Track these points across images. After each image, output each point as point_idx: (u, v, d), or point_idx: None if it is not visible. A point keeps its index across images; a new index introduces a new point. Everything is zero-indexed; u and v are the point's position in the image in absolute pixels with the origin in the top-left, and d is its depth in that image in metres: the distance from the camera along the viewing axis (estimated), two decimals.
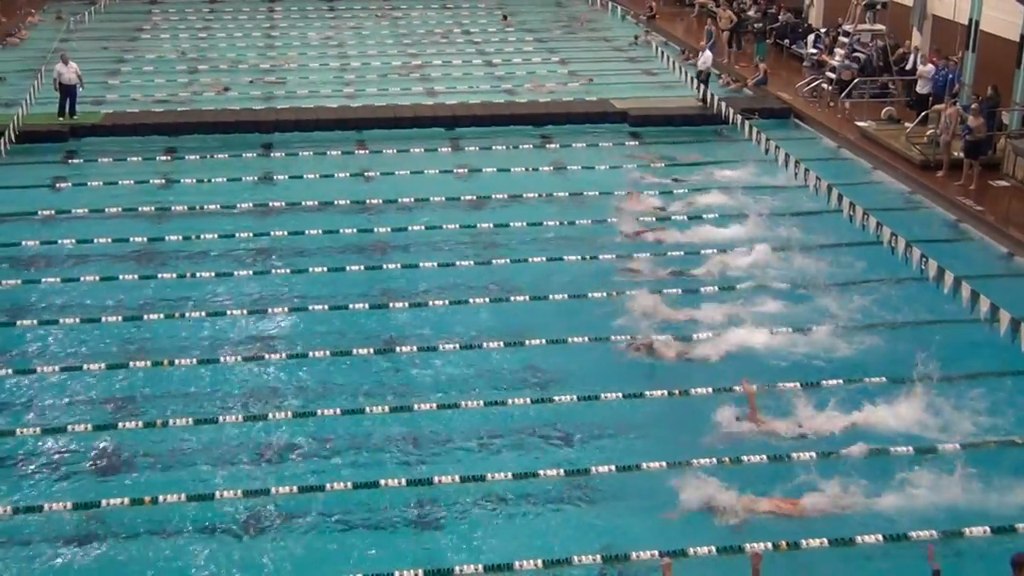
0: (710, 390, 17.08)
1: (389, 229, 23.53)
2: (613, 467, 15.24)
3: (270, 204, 24.98)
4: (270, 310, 19.90)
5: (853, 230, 23.38)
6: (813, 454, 15.46)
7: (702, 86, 31.98)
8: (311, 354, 18.32)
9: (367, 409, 16.75)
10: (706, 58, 32.19)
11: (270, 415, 16.59)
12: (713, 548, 13.54)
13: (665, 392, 17.15)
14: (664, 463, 15.22)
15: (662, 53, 38.24)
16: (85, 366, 17.93)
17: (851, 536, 13.81)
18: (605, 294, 20.35)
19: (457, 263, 21.85)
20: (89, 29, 42.94)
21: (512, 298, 20.26)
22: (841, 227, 23.63)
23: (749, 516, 14.25)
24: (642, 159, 28.28)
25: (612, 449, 15.86)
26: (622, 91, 33.72)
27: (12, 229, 23.60)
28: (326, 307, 19.96)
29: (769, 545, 13.45)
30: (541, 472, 15.18)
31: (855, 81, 30.74)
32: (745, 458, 15.42)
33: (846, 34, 32.48)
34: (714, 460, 15.31)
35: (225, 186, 26.22)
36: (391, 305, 20.11)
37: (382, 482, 14.95)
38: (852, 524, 14.09)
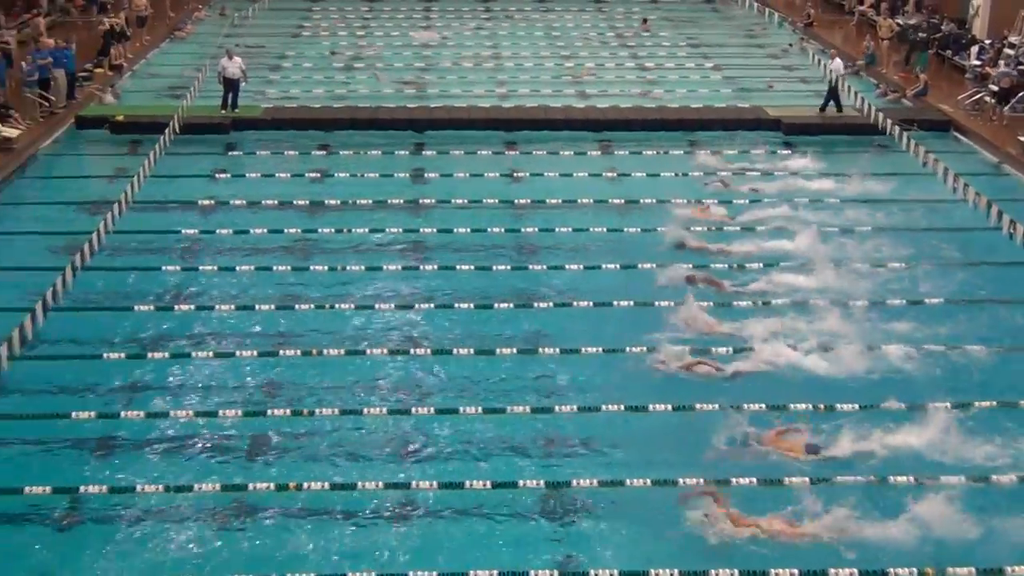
0: None
1: (536, 229, 23.63)
2: None
3: (420, 201, 25.33)
4: (417, 305, 20.18)
5: (1013, 248, 22.70)
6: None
7: (833, 95, 31.31)
8: (455, 351, 18.52)
9: (508, 409, 16.87)
10: (835, 66, 31.56)
11: (413, 410, 16.84)
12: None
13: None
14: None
15: (818, 61, 37.64)
16: (238, 353, 18.45)
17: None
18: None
19: (603, 266, 21.84)
20: (252, 25, 44.10)
21: (656, 303, 20.17)
22: (1000, 245, 22.96)
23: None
24: (793, 168, 27.84)
25: None
26: (775, 98, 33.31)
27: (173, 217, 24.41)
28: (472, 305, 20.16)
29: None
30: (680, 479, 15.10)
31: (1020, 95, 29.78)
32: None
33: (1011, 46, 31.52)
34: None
35: (377, 182, 26.67)
36: (536, 305, 20.21)
37: (520, 483, 15.05)
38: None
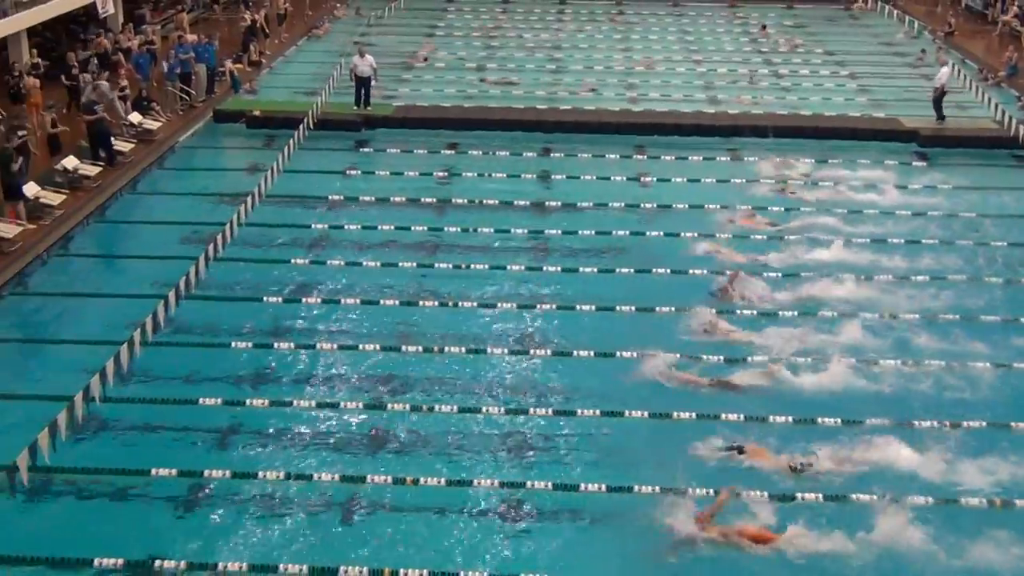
0: None
1: (661, 234, 23.53)
2: None
3: (546, 203, 25.41)
4: (539, 306, 20.25)
5: None
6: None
7: (938, 104, 30.54)
8: (575, 353, 18.54)
9: (626, 412, 16.83)
10: (942, 74, 30.74)
11: (531, 410, 16.90)
12: None
13: None
14: None
15: (958, 72, 36.73)
16: (361, 346, 18.73)
17: None
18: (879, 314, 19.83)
19: (727, 273, 21.65)
20: (387, 24, 44.71)
21: (781, 313, 19.92)
22: None
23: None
24: (928, 182, 27.23)
25: None
26: (911, 109, 32.60)
27: (304, 211, 24.89)
28: (593, 307, 20.16)
29: None
30: (800, 496, 14.92)
31: None
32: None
33: None
34: None
35: (504, 182, 26.83)
36: (657, 310, 20.13)
37: (636, 488, 15.01)
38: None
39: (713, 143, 29.90)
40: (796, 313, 19.97)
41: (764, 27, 44.31)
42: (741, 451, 15.63)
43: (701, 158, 28.66)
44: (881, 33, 44.47)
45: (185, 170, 28.15)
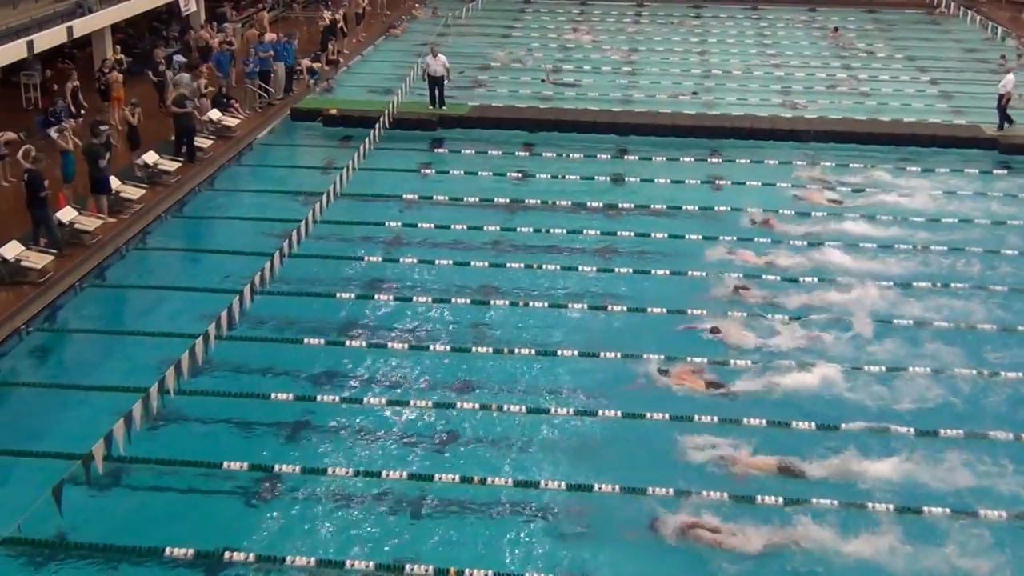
0: None
1: (735, 238, 23.40)
2: None
3: (619, 205, 25.36)
4: (609, 307, 20.22)
5: None
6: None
7: (1004, 111, 29.98)
8: (645, 356, 18.49)
9: (696, 418, 16.74)
10: (1006, 81, 30.15)
11: (599, 412, 16.88)
12: None
13: None
14: None
15: None
16: (431, 346, 18.82)
17: None
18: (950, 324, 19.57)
19: (802, 280, 21.44)
20: (464, 25, 44.89)
21: (853, 325, 19.66)
22: None
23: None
24: (1008, 190, 26.81)
25: None
26: (994, 116, 32.03)
27: (379, 209, 25.09)
28: (664, 310, 20.09)
29: None
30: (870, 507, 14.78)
31: None
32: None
33: None
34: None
35: (577, 184, 26.82)
36: (729, 314, 19.99)
37: (704, 493, 14.93)
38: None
39: (789, 148, 29.60)
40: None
41: (835, 30, 43.82)
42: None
43: (776, 162, 28.42)
44: (964, 39, 43.77)
45: (262, 167, 28.49)
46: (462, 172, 27.74)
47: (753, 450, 15.82)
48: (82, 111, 27.61)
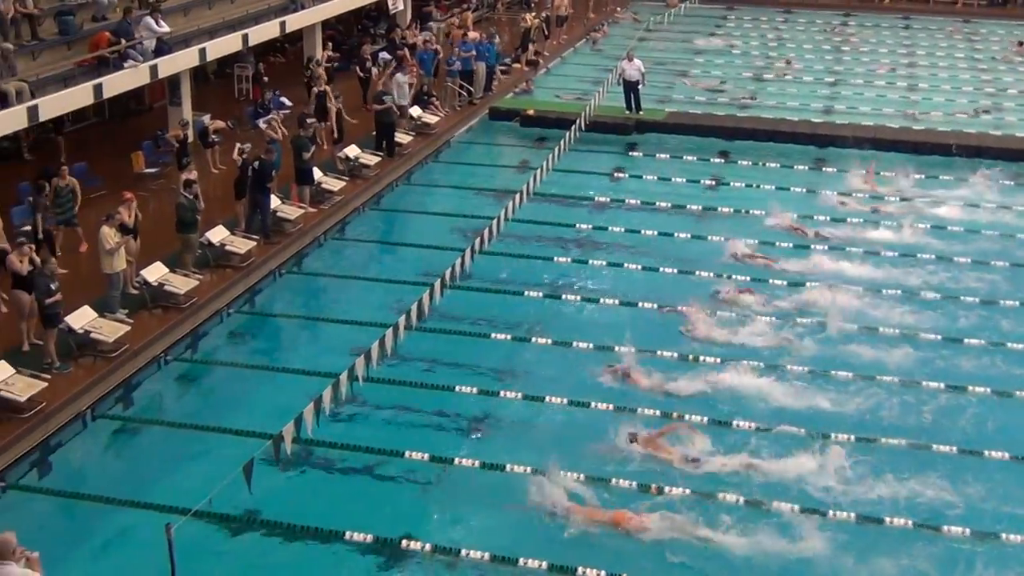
0: None
1: (933, 256, 22.71)
2: None
3: (814, 216, 24.87)
4: (799, 320, 19.86)
5: None
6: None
7: None
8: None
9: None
10: None
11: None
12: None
13: None
14: None
15: None
16: (616, 348, 18.79)
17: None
18: None
19: (1002, 302, 20.69)
20: (665, 30, 44.62)
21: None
22: None
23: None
24: None
25: None
26: None
27: (571, 211, 25.24)
28: (856, 327, 19.65)
29: None
30: None
31: None
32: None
33: None
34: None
35: (772, 194, 26.40)
36: (919, 336, 19.44)
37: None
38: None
39: (995, 166, 28.31)
40: None
41: (1021, 44, 41.92)
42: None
43: (982, 180, 27.27)
44: None
45: (458, 164, 28.95)
46: (655, 178, 27.62)
47: None
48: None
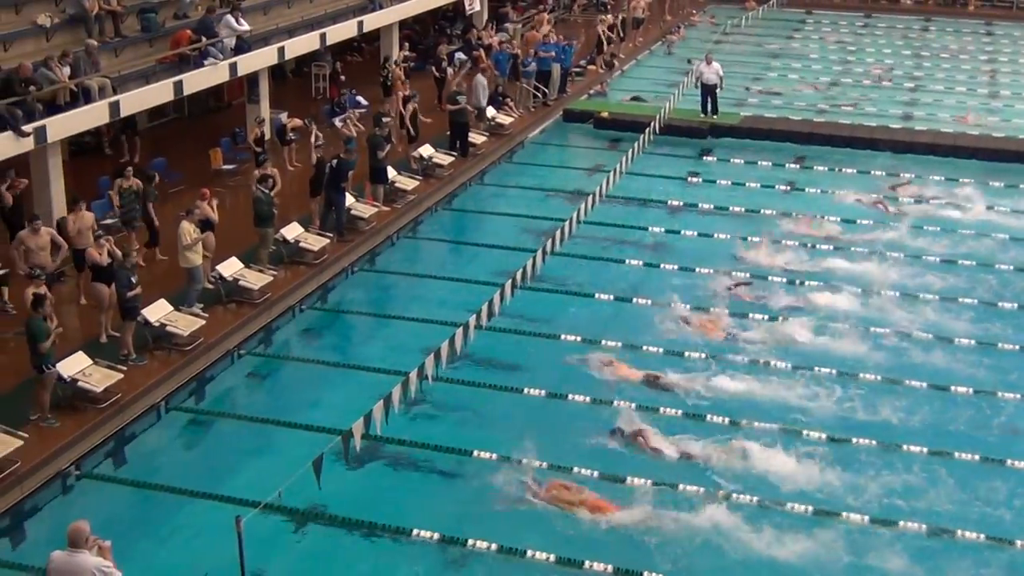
0: None
1: (1011, 268, 22.34)
2: None
3: (889, 224, 24.58)
4: (872, 328, 19.63)
5: None
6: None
7: None
8: (955, 388, 17.81)
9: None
10: None
11: (854, 440, 16.35)
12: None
13: None
14: None
15: None
16: (686, 353, 18.71)
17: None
18: None
19: None
20: (742, 33, 44.33)
21: None
22: None
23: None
24: None
25: None
26: None
27: (644, 213, 25.19)
28: (931, 336, 19.44)
29: None
30: None
31: None
32: None
33: None
34: None
35: (848, 200, 26.14)
36: (999, 345, 19.14)
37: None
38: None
39: None
40: None
41: None
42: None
43: None
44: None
45: (531, 165, 28.97)
46: (729, 182, 27.44)
47: None
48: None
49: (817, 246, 23.27)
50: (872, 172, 28.09)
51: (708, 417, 16.80)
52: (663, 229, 24.18)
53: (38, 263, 17.75)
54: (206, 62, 24.34)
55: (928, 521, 14.46)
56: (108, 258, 17.63)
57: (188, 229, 18.59)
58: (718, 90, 31.22)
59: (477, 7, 37.27)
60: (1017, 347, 19.15)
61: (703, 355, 18.62)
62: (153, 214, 20.84)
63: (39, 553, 11.91)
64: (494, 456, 15.74)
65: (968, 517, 14.63)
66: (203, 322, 18.33)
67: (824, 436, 16.32)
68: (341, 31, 29.85)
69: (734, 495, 14.86)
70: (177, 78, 23.55)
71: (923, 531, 14.30)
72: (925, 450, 16.05)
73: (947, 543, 14.15)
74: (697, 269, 22.07)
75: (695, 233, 23.90)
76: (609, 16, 39.07)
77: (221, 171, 25.55)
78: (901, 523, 14.42)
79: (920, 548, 14.00)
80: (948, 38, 44.57)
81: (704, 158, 29.57)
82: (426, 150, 26.60)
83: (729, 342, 19.25)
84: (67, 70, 21.16)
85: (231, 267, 19.84)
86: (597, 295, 20.87)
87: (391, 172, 24.61)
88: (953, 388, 17.76)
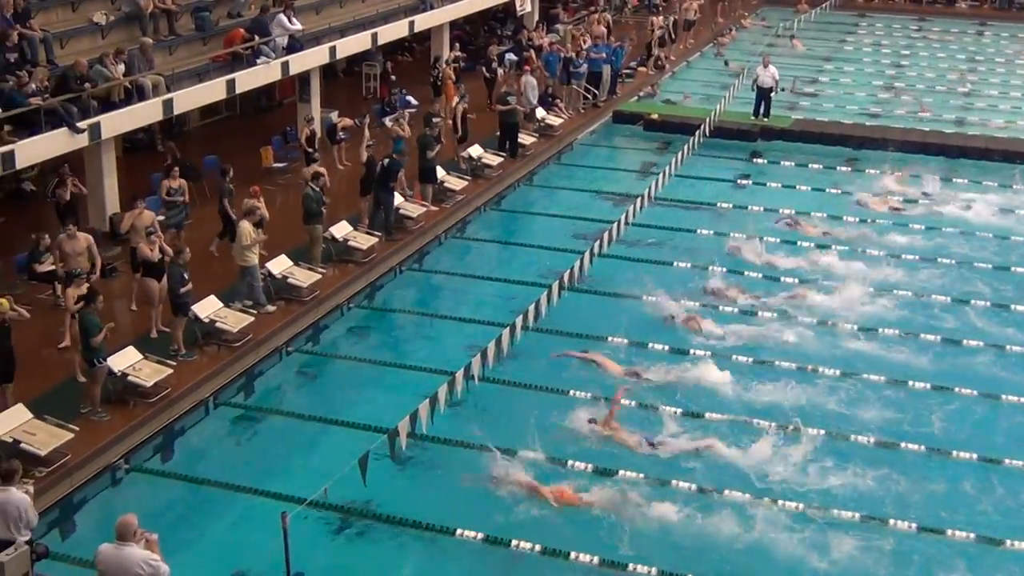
0: None
1: None
2: None
3: (942, 228, 24.34)
4: (921, 336, 19.50)
5: None
6: None
7: None
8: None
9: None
10: None
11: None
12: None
13: None
14: None
15: None
16: (733, 356, 18.61)
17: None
18: None
19: None
20: (793, 36, 44.02)
21: None
22: None
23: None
24: None
25: None
26: None
27: (692, 215, 25.08)
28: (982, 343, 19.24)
29: None
30: None
31: None
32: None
33: None
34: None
35: (897, 203, 25.93)
36: None
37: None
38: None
39: None
40: None
41: None
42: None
43: None
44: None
45: (580, 167, 28.93)
46: (779, 185, 27.29)
47: None
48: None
49: (867, 251, 23.06)
50: (922, 176, 27.77)
51: (754, 422, 16.71)
52: (712, 232, 23.99)
53: (74, 267, 17.90)
54: (259, 61, 24.53)
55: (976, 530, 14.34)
56: (159, 254, 17.82)
57: (248, 230, 18.72)
58: (773, 93, 31.05)
59: (528, 8, 37.30)
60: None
61: (748, 359, 18.52)
62: (229, 208, 20.88)
63: (88, 546, 12.04)
64: (542, 456, 15.67)
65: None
66: (252, 319, 18.47)
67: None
68: (392, 31, 29.98)
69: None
70: (230, 76, 23.74)
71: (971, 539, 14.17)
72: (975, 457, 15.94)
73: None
74: (745, 273, 21.92)
75: (743, 237, 23.62)
76: (661, 18, 38.95)
77: (272, 169, 25.73)
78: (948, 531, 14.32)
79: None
80: (1003, 42, 44.06)
81: (754, 161, 29.41)
82: (475, 150, 26.66)
83: (777, 346, 19.15)
84: (122, 68, 21.38)
85: (280, 265, 19.97)
86: (644, 297, 20.68)
87: (440, 172, 24.67)
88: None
